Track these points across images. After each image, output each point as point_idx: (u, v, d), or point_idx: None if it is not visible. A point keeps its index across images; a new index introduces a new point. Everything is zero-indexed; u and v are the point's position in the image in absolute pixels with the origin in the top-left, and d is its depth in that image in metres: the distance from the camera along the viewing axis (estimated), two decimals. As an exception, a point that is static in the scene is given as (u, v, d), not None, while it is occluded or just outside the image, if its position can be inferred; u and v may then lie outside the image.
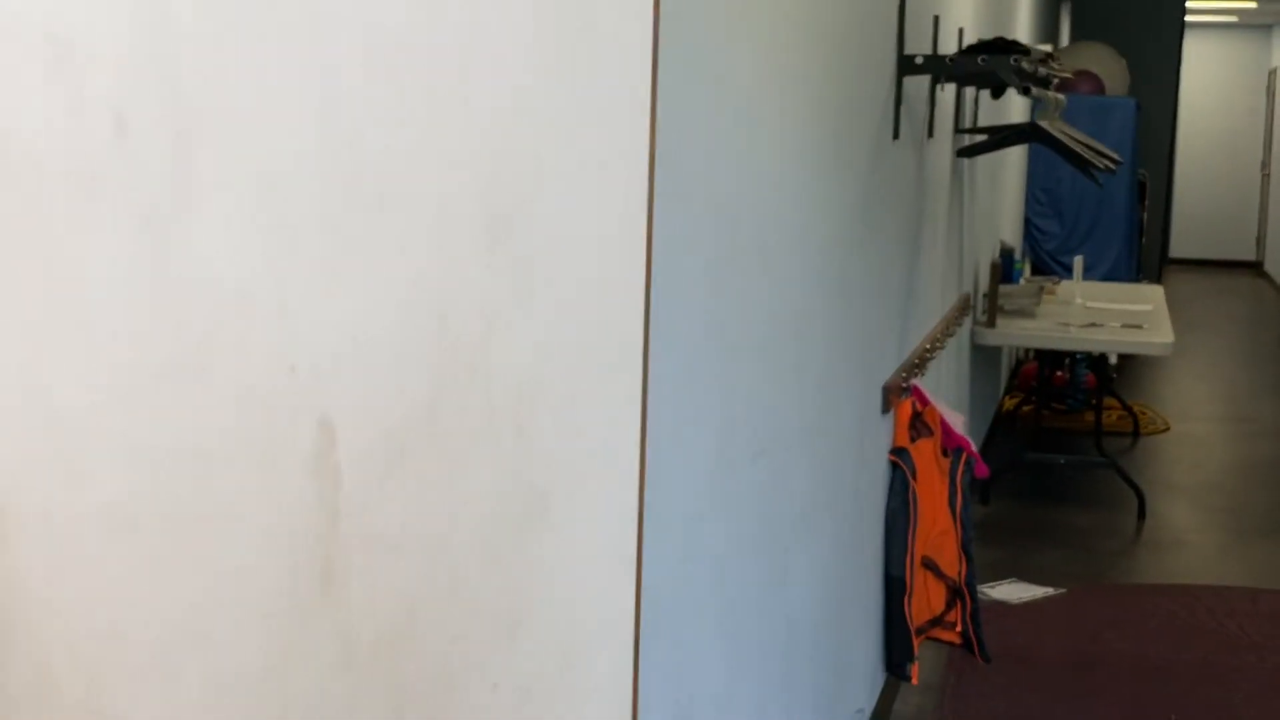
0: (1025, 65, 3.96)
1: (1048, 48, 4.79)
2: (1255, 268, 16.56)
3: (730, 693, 2.30)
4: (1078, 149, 4.27)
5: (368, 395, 0.98)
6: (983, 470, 3.98)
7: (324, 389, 0.92)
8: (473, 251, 1.13)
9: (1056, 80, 4.85)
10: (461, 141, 1.10)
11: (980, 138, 4.80)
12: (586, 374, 1.39)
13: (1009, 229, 7.74)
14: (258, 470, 0.86)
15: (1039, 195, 8.76)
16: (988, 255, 6.48)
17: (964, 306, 5.47)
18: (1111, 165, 4.36)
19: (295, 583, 0.90)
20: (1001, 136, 4.51)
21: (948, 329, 4.81)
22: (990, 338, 5.94)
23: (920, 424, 3.82)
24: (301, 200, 0.89)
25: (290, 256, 0.88)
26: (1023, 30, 8.17)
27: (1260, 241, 16.56)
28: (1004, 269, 6.42)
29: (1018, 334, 6.06)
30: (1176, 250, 16.06)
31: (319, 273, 0.91)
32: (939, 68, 3.76)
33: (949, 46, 4.66)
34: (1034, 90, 4.11)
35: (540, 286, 1.25)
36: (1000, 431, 7.34)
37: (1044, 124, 4.27)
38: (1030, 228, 8.80)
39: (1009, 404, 7.80)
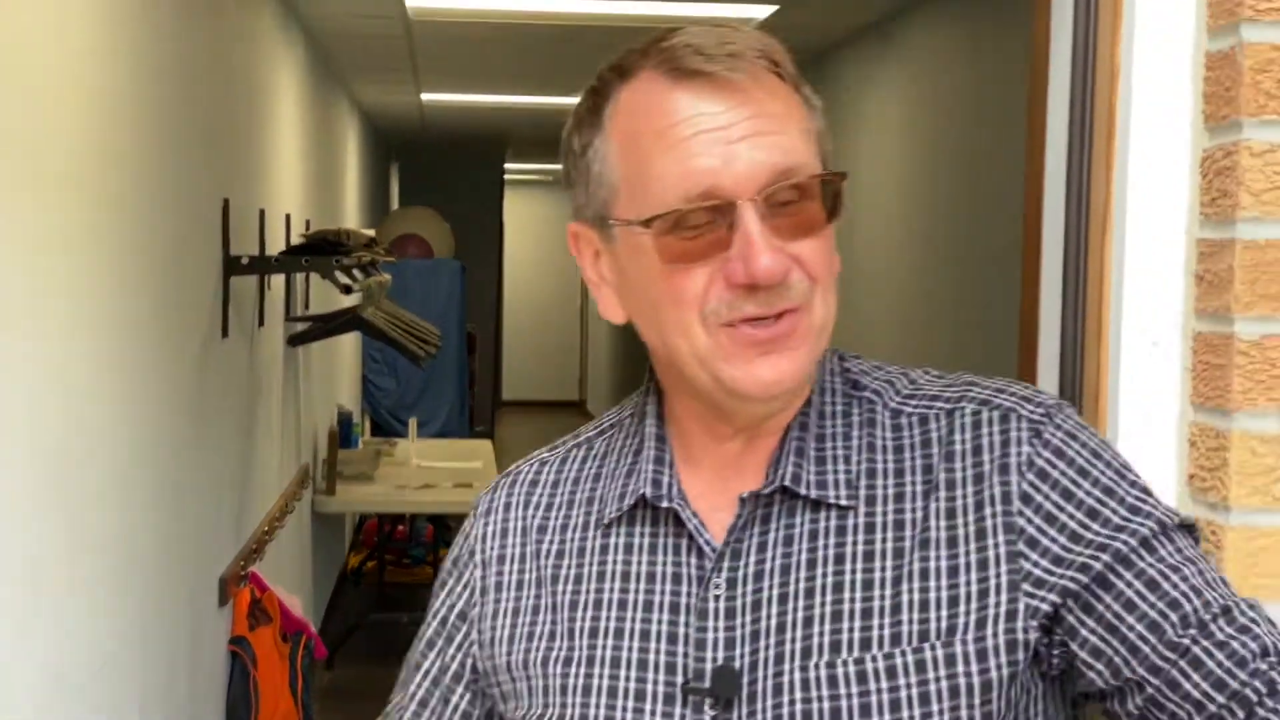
0: (347, 261, 4.20)
1: (371, 233, 5.07)
2: (579, 406, 17.84)
3: None
4: (398, 335, 4.56)
5: None
6: (321, 652, 4.11)
7: None
8: None
9: (378, 258, 5.14)
10: None
11: (307, 324, 4.98)
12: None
13: (347, 392, 7.98)
14: None
15: (374, 354, 9.08)
16: (326, 423, 6.65)
17: (303, 478, 5.60)
18: (432, 349, 4.67)
19: None
20: (329, 326, 4.73)
21: (287, 505, 4.91)
22: (332, 505, 6.10)
23: (259, 610, 3.90)
24: None
25: None
26: (352, 201, 8.51)
27: (582, 381, 17.88)
28: (342, 434, 6.63)
29: (358, 500, 6.27)
30: (509, 394, 17.01)
31: None
32: (266, 267, 3.91)
33: (278, 235, 4.83)
34: (357, 283, 4.37)
35: None
36: (346, 590, 7.49)
37: (367, 313, 4.52)
38: (368, 386, 9.11)
39: (354, 560, 7.98)
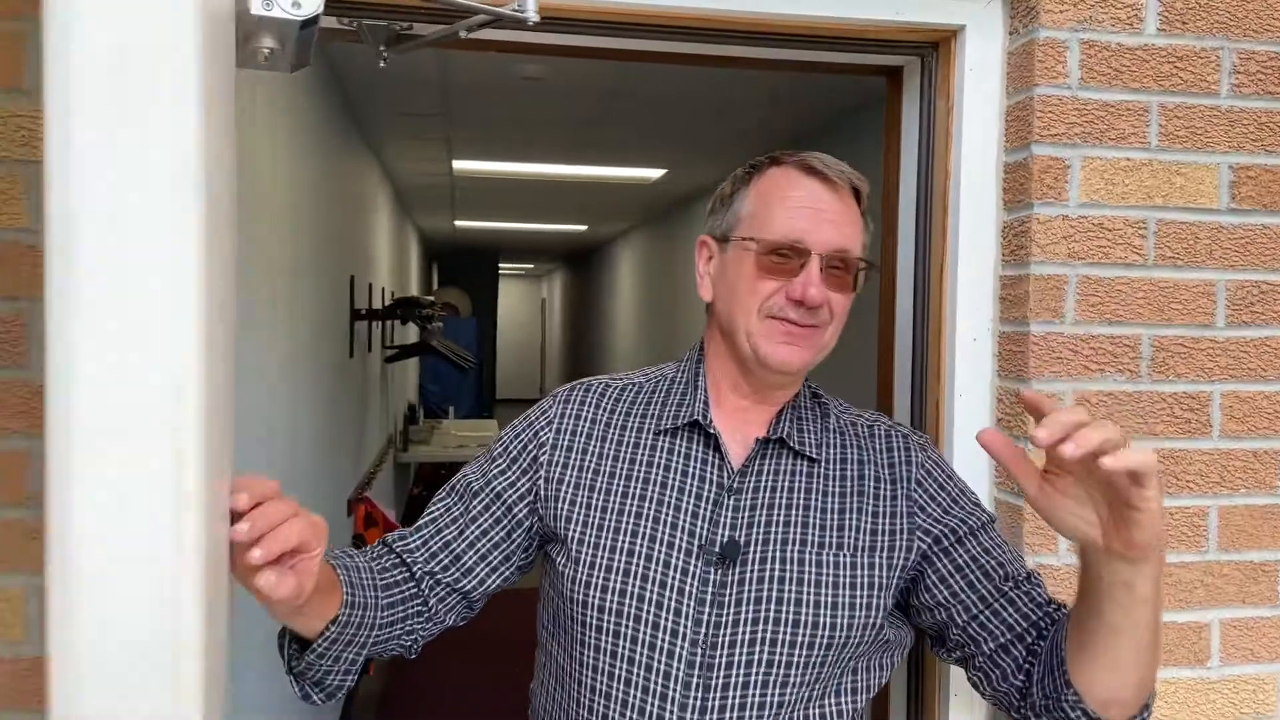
0: (423, 313, 4.00)
1: (431, 297, 4.87)
2: (538, 399, 17.48)
3: None
4: (450, 354, 4.36)
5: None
6: (408, 542, 3.88)
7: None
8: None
9: (436, 314, 4.93)
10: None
11: (395, 350, 4.77)
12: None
13: (411, 391, 7.71)
14: None
15: (427, 371, 8.80)
16: (402, 409, 6.41)
17: (389, 442, 5.36)
18: (470, 364, 4.47)
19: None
20: (410, 349, 4.51)
21: (382, 457, 4.69)
22: (404, 458, 5.85)
23: (370, 519, 3.67)
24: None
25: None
26: (414, 280, 8.25)
27: (540, 385, 17.55)
28: (410, 416, 6.37)
29: (420, 454, 6.01)
30: (500, 393, 16.62)
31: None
32: (374, 316, 3.72)
33: (377, 298, 4.62)
34: (429, 325, 4.16)
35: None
36: (412, 505, 7.20)
37: (433, 342, 4.32)
38: (423, 389, 8.81)
39: (415, 490, 7.68)
